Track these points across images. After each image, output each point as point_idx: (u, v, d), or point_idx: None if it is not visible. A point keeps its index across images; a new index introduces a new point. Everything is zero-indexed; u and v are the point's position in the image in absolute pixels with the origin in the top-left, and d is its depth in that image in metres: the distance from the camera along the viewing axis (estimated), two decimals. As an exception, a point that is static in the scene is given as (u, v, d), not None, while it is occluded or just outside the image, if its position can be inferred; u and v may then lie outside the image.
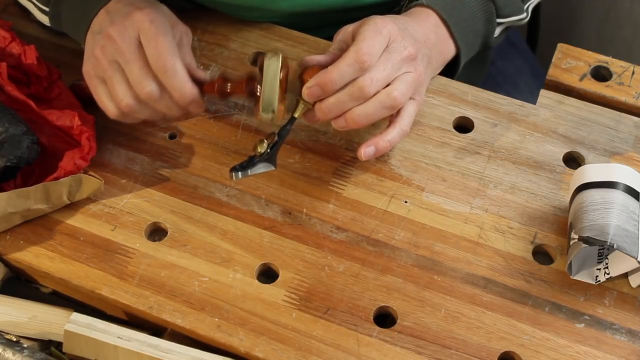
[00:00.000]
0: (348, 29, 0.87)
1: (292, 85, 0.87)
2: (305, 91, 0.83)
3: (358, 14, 1.03)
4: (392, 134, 0.87)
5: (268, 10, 1.00)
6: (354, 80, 0.82)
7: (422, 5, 0.93)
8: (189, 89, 0.84)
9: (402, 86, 0.84)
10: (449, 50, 0.94)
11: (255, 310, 0.82)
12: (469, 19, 0.93)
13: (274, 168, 0.86)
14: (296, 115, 0.86)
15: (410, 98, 0.86)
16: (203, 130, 0.94)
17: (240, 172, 0.84)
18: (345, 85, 0.83)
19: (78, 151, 0.88)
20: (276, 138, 0.85)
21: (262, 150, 0.84)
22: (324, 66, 0.84)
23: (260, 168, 0.85)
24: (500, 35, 0.98)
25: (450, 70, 0.97)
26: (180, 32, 0.88)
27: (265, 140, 0.85)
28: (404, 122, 0.87)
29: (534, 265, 0.85)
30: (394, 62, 0.83)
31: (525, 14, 0.98)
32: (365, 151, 0.86)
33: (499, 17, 0.95)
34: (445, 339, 0.80)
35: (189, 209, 0.88)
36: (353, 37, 0.85)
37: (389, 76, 0.83)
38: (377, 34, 0.83)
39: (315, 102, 0.84)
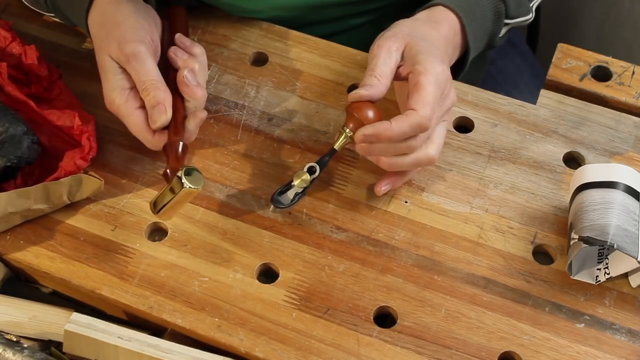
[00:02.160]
0: (392, 47, 0.84)
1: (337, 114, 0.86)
2: (360, 136, 0.82)
3: (357, 8, 1.03)
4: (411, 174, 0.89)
5: (269, 1, 0.99)
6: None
7: (444, 6, 0.90)
8: (142, 132, 0.86)
9: (440, 142, 0.84)
10: (460, 52, 0.93)
11: (255, 310, 0.82)
12: (480, 17, 0.92)
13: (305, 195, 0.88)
14: (337, 147, 0.86)
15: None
16: (203, 130, 0.94)
17: (284, 207, 0.86)
18: None
19: (78, 151, 0.88)
20: (317, 170, 0.86)
21: (306, 185, 0.86)
22: (372, 100, 0.83)
23: (298, 200, 0.87)
24: (504, 35, 0.97)
25: (452, 69, 0.96)
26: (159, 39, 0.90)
27: (306, 172, 0.86)
28: (436, 145, 0.86)
29: (534, 265, 0.85)
30: (439, 115, 0.83)
31: (531, 15, 0.97)
32: (382, 188, 0.87)
33: (507, 17, 0.94)
34: (445, 339, 0.80)
35: (189, 209, 0.88)
36: (399, 56, 0.84)
37: (432, 132, 0.83)
38: (438, 89, 0.81)
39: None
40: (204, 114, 0.88)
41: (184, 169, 0.80)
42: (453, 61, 0.93)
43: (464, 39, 0.92)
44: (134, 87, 0.86)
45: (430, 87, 0.81)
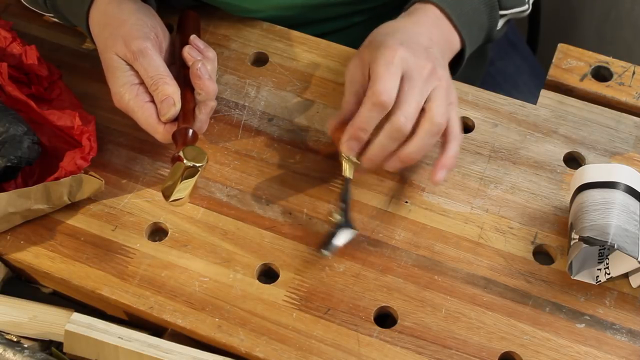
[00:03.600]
0: (356, 68, 0.85)
1: (331, 148, 0.88)
2: (343, 148, 0.83)
3: (356, 6, 1.03)
4: (453, 148, 0.85)
5: (268, 1, 0.99)
6: (388, 120, 0.81)
7: (420, 1, 0.91)
8: (153, 125, 0.86)
9: (439, 107, 0.82)
10: (455, 42, 0.92)
11: (255, 311, 0.82)
12: (471, 11, 0.92)
13: (357, 231, 0.85)
14: (347, 175, 0.86)
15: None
16: (203, 130, 0.94)
17: (331, 249, 0.84)
18: (381, 127, 0.81)
19: (79, 151, 0.88)
20: (342, 204, 0.86)
21: (337, 222, 0.85)
22: (349, 120, 0.83)
23: (346, 237, 0.84)
24: (502, 28, 0.97)
25: (451, 64, 0.95)
26: (166, 42, 0.90)
27: (334, 212, 0.85)
28: (455, 130, 0.85)
29: (535, 265, 0.85)
30: (418, 86, 0.81)
31: (527, 6, 0.97)
32: (439, 175, 0.84)
33: (501, 8, 0.94)
34: (445, 339, 0.80)
35: (189, 209, 0.88)
36: (364, 75, 0.83)
37: (419, 103, 0.82)
38: (389, 67, 0.81)
39: (359, 156, 0.84)
40: (214, 103, 0.87)
41: (184, 148, 0.80)
42: (453, 44, 0.92)
43: (455, 28, 0.91)
44: (142, 83, 0.86)
45: (378, 68, 0.81)
